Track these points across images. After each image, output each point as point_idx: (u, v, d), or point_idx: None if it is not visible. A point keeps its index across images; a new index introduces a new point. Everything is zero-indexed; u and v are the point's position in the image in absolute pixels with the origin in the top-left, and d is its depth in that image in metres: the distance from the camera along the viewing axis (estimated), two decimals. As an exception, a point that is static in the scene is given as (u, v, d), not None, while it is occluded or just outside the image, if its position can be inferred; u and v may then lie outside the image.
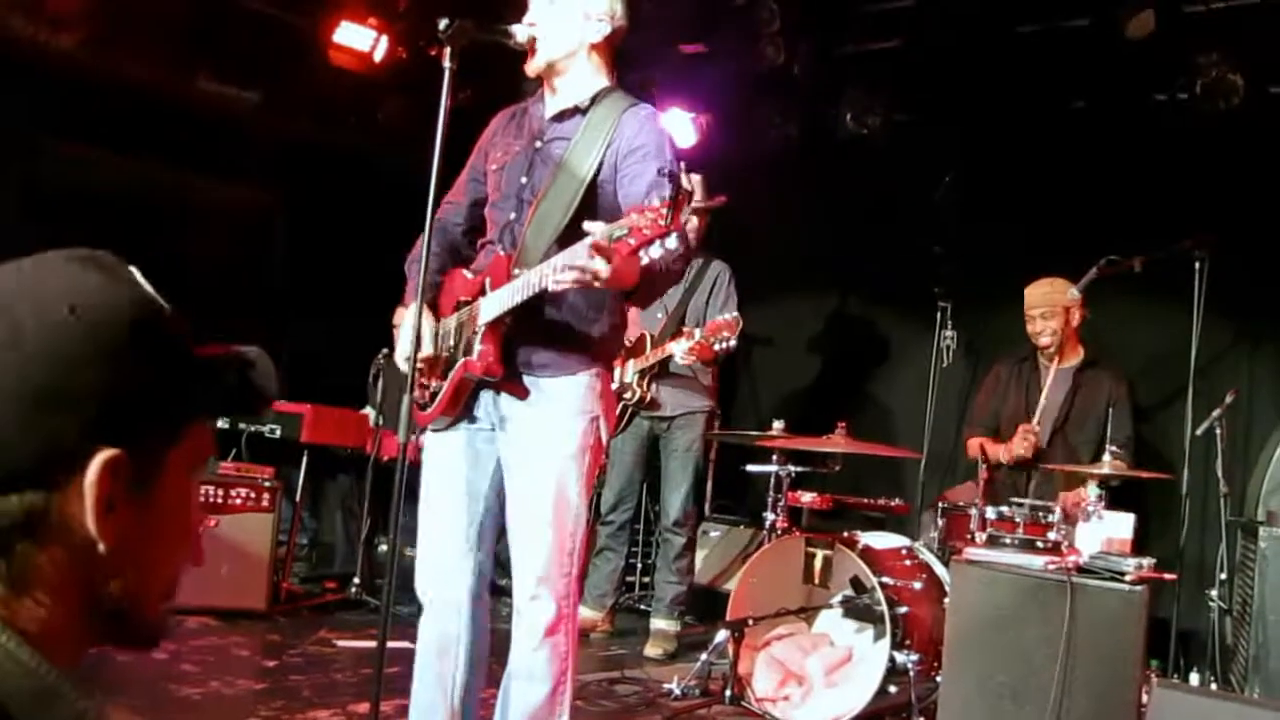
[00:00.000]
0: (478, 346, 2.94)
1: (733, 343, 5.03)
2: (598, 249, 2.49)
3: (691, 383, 5.76)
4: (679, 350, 5.23)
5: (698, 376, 5.76)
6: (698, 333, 5.10)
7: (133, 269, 1.08)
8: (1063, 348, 5.42)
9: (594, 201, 2.96)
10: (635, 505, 6.07)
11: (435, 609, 3.09)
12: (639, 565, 7.06)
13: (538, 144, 3.11)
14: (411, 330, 2.93)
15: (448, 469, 3.11)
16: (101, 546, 1.00)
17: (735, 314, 5.15)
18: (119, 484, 0.99)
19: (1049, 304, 5.34)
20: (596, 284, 2.58)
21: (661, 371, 5.63)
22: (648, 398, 5.67)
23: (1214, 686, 4.43)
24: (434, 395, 3.09)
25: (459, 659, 3.07)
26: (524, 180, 3.08)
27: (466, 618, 3.07)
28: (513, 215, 3.08)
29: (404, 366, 3.06)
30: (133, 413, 1.01)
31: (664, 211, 2.45)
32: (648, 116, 3.05)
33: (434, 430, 3.15)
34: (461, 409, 3.07)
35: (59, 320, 0.98)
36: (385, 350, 6.13)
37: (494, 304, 2.93)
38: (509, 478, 3.03)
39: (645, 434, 5.86)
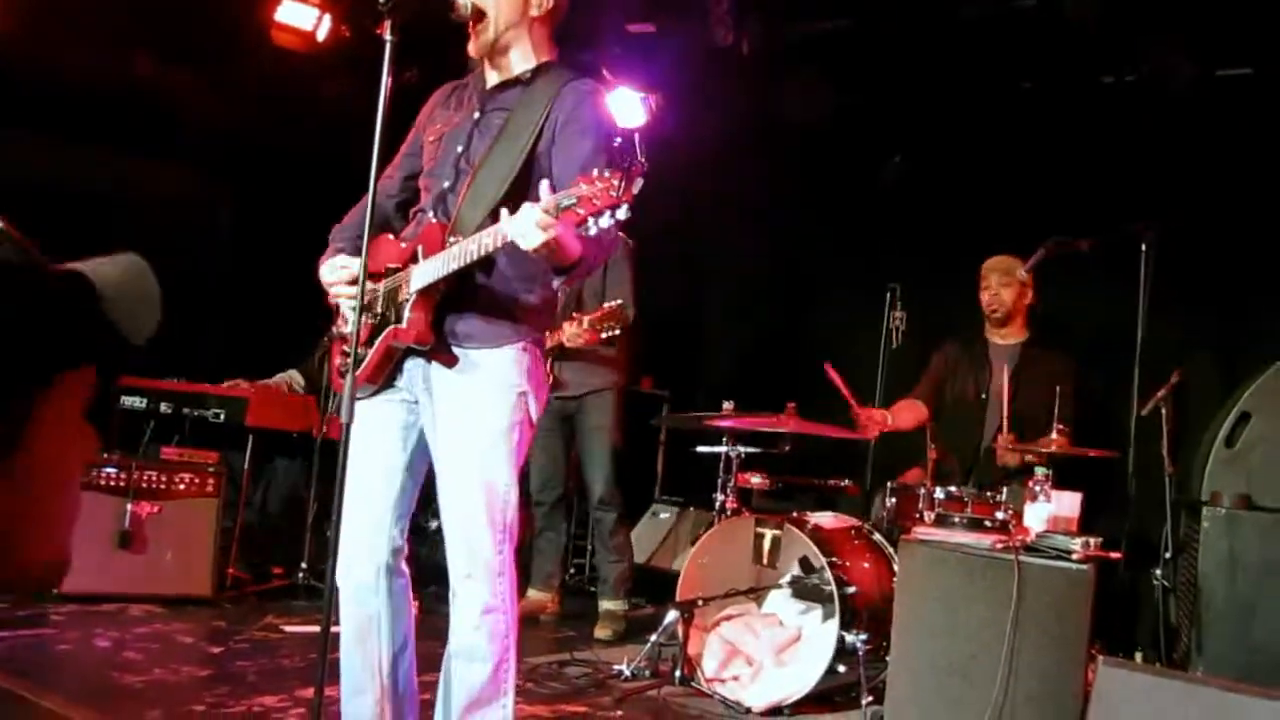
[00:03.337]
0: (408, 314, 2.89)
1: (618, 330, 5.06)
2: (543, 221, 2.47)
3: (592, 362, 5.73)
4: (568, 335, 5.23)
5: (599, 354, 5.73)
6: (586, 320, 5.11)
7: None
8: (1011, 322, 5.50)
9: (531, 174, 2.92)
10: (563, 483, 6.04)
11: (351, 590, 3.03)
12: (588, 548, 7.04)
13: (477, 115, 3.07)
14: (344, 272, 2.98)
15: (366, 442, 3.05)
16: None
17: (619, 301, 5.16)
18: None
19: (1009, 271, 5.40)
20: (536, 253, 2.56)
21: (562, 352, 5.59)
22: (550, 378, 5.65)
23: (1158, 665, 4.47)
24: (359, 362, 3.03)
25: (381, 638, 3.03)
26: (460, 149, 3.04)
27: (384, 595, 3.02)
28: (446, 184, 3.03)
29: (329, 277, 3.08)
30: None
31: (615, 182, 2.39)
32: (589, 91, 3.02)
33: (356, 399, 3.09)
34: (386, 378, 3.02)
35: None
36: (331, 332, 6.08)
37: (426, 271, 2.87)
38: (436, 454, 2.98)
39: (558, 413, 5.83)
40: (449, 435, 2.94)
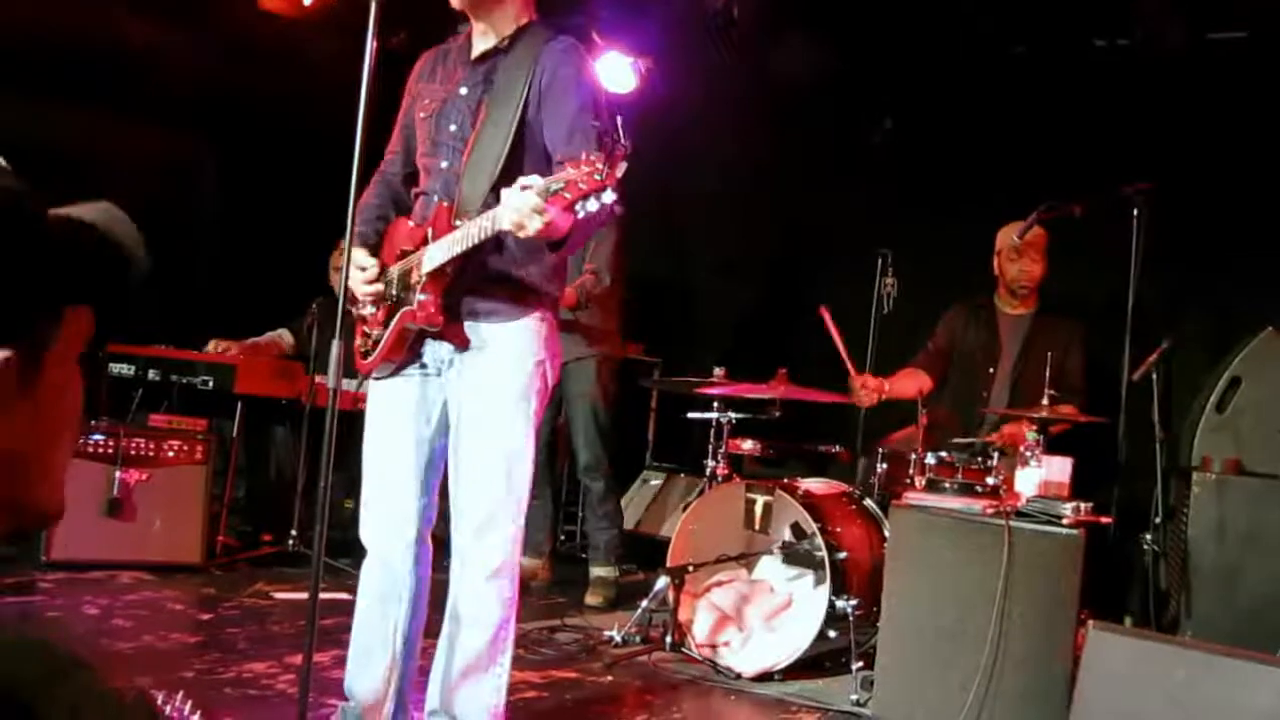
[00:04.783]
0: (418, 296, 2.93)
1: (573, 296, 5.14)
2: (539, 206, 2.52)
3: (572, 329, 5.65)
4: None
5: (580, 321, 5.68)
6: None
7: None
8: (1032, 295, 5.45)
9: (523, 143, 2.96)
10: (551, 451, 6.01)
11: (380, 556, 3.08)
12: (579, 514, 7.04)
13: (463, 90, 3.08)
14: (363, 274, 3.04)
15: (393, 416, 3.09)
16: None
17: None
18: (8, 383, 0.93)
19: (1033, 244, 5.29)
20: (525, 235, 2.61)
21: None
22: None
23: (1147, 629, 4.48)
24: (376, 343, 3.07)
25: (402, 605, 3.07)
26: (453, 128, 3.07)
27: (410, 567, 3.07)
28: (445, 164, 3.06)
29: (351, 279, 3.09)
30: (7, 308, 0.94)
31: (600, 167, 2.45)
32: (567, 49, 3.03)
33: (377, 378, 3.14)
34: (406, 355, 3.06)
35: None
36: (319, 298, 6.05)
37: (435, 254, 2.92)
38: (455, 424, 3.02)
39: None
40: (469, 405, 2.99)
